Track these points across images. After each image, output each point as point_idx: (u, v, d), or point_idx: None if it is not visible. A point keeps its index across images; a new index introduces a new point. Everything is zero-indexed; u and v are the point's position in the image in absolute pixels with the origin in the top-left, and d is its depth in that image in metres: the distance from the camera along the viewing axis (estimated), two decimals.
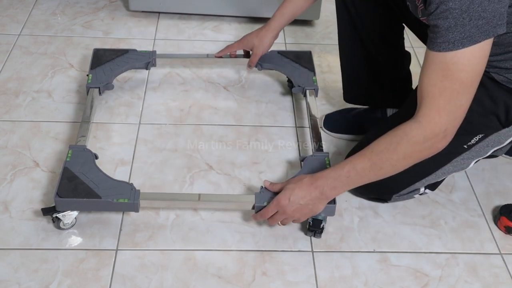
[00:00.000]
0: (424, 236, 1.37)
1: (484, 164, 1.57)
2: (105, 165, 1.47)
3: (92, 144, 1.54)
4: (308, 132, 1.62)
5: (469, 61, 1.05)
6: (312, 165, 1.37)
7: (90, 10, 2.15)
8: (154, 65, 1.71)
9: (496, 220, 1.41)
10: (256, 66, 1.72)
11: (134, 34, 2.03)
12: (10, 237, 1.30)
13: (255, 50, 1.62)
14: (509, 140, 1.30)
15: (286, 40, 2.05)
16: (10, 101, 1.68)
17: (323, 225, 1.30)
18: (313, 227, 1.30)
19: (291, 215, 1.24)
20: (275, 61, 1.71)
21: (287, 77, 1.75)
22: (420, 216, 1.42)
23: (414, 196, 1.41)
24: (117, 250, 1.29)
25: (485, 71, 1.22)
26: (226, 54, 1.69)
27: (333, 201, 1.27)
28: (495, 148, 1.31)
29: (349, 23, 1.50)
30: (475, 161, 1.33)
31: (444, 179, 1.39)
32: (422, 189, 1.39)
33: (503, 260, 1.33)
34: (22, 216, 1.35)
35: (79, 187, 1.26)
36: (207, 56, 1.76)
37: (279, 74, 1.79)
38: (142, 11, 2.13)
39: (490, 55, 1.18)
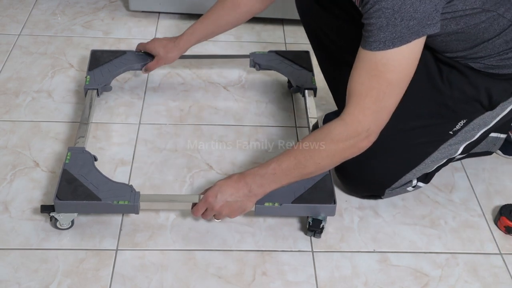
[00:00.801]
0: (424, 236, 1.37)
1: (484, 164, 1.57)
2: (105, 165, 1.47)
3: (92, 144, 1.54)
4: (307, 132, 1.62)
5: (398, 62, 1.06)
6: None
7: (90, 10, 2.15)
8: None
9: (496, 220, 1.41)
10: (254, 67, 1.71)
11: (134, 34, 2.03)
12: (10, 237, 1.30)
13: (158, 58, 1.61)
14: (494, 121, 1.32)
15: (286, 40, 2.05)
16: (10, 101, 1.68)
17: (323, 225, 1.30)
18: (313, 227, 1.30)
19: (219, 211, 1.23)
20: (273, 62, 1.71)
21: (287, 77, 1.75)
22: (420, 216, 1.42)
23: (408, 189, 1.41)
24: (117, 250, 1.29)
25: (462, 63, 1.24)
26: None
27: (333, 201, 1.27)
28: (482, 130, 1.33)
29: (303, 19, 1.52)
30: (463, 145, 1.34)
31: (437, 170, 1.39)
32: (414, 182, 1.39)
33: (503, 260, 1.33)
34: (22, 216, 1.35)
35: (78, 189, 1.26)
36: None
37: (279, 74, 1.79)
38: (142, 11, 2.13)
39: (462, 50, 1.21)
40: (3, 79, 1.77)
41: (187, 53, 1.97)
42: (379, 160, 1.33)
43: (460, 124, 1.30)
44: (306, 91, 1.62)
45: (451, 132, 1.31)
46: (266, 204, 1.26)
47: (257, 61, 1.71)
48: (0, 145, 1.53)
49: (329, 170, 1.32)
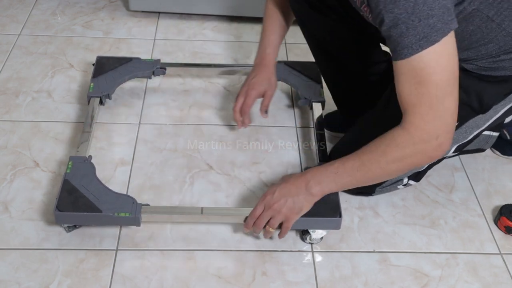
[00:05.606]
0: (424, 236, 1.37)
1: (484, 164, 1.57)
2: (105, 165, 1.47)
3: (92, 144, 1.53)
4: (307, 132, 1.62)
5: (437, 62, 1.02)
6: None
7: (90, 10, 2.15)
8: (157, 74, 1.67)
9: (496, 220, 1.41)
10: None
11: (134, 34, 2.03)
12: (10, 237, 1.30)
13: (269, 92, 1.52)
14: (487, 124, 1.31)
15: (286, 40, 2.04)
16: (10, 101, 1.68)
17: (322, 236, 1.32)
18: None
19: (276, 209, 1.19)
20: (281, 73, 1.66)
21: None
22: (420, 216, 1.42)
23: (398, 187, 1.40)
24: (117, 250, 1.29)
25: None
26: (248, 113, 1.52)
27: (339, 215, 1.25)
28: (475, 133, 1.32)
29: (299, 21, 1.50)
30: (455, 146, 1.33)
31: (428, 169, 1.39)
32: (405, 180, 1.38)
33: (503, 260, 1.33)
34: (22, 216, 1.35)
35: (79, 200, 1.24)
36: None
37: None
38: (142, 11, 2.13)
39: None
40: (3, 79, 1.77)
41: (188, 54, 1.96)
42: None
43: None
44: (314, 104, 1.58)
45: None
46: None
47: None
48: (0, 145, 1.53)
49: None
